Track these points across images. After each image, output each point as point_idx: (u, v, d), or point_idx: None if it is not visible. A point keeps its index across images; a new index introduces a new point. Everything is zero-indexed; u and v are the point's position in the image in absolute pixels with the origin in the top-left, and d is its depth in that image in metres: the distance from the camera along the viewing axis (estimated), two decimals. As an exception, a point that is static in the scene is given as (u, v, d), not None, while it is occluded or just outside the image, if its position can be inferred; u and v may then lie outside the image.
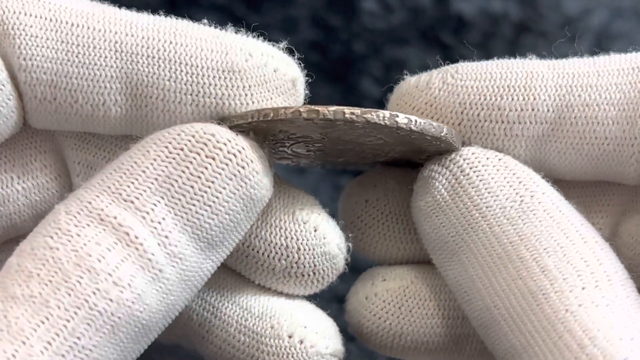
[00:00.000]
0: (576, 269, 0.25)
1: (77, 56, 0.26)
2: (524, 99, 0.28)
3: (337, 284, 0.44)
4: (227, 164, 0.25)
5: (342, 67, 0.46)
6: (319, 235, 0.28)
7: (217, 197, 0.25)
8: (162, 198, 0.24)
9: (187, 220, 0.24)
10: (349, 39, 0.46)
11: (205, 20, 0.28)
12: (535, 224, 0.26)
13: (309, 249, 0.28)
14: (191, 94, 0.26)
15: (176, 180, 0.24)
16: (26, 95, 0.26)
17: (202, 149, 0.25)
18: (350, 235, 0.30)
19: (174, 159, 0.25)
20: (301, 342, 0.28)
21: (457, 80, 0.28)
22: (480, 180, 0.26)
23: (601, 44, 0.46)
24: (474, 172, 0.27)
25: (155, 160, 0.24)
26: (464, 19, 0.46)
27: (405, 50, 0.47)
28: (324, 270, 0.29)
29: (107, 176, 0.25)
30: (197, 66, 0.26)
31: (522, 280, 0.25)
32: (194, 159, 0.25)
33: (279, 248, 0.28)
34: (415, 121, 0.26)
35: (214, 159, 0.25)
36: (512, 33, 0.46)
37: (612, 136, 0.27)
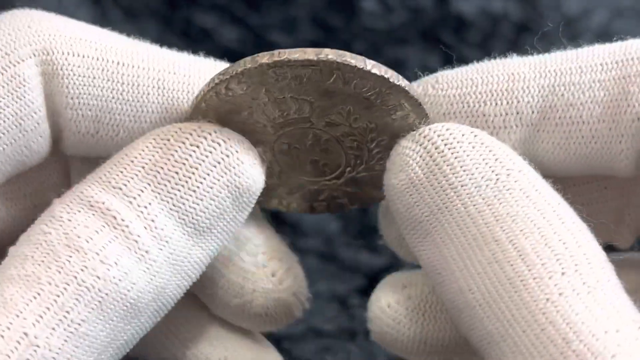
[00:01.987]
0: (555, 252, 0.24)
1: (121, 94, 0.27)
2: (507, 102, 0.27)
3: (337, 284, 0.44)
4: (211, 152, 0.26)
5: (342, 67, 0.46)
6: (275, 281, 0.29)
7: (201, 183, 0.26)
8: (149, 184, 0.26)
9: (173, 205, 0.26)
10: (349, 39, 0.46)
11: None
12: (511, 204, 0.25)
13: (264, 293, 0.29)
14: None
15: (162, 167, 0.26)
16: (69, 130, 0.28)
17: (187, 138, 0.26)
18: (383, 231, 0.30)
19: (160, 148, 0.26)
20: None
21: (438, 91, 0.28)
22: (455, 158, 0.26)
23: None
24: (449, 148, 0.26)
25: (143, 150, 0.26)
26: (464, 19, 0.46)
27: (405, 50, 0.47)
28: (276, 314, 0.30)
29: (101, 169, 0.26)
30: None
31: (498, 263, 0.24)
32: (179, 147, 0.26)
33: (236, 286, 0.29)
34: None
35: (198, 146, 0.26)
36: (512, 33, 0.46)
37: (598, 135, 0.27)
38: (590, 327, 0.23)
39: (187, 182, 0.26)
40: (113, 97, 0.27)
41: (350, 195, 0.30)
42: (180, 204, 0.26)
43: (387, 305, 0.29)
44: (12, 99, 0.27)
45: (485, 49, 0.47)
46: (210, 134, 0.26)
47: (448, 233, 0.25)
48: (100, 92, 0.27)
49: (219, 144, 0.26)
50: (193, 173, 0.26)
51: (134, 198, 0.25)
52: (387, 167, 0.27)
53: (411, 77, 0.29)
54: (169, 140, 0.26)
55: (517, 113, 0.27)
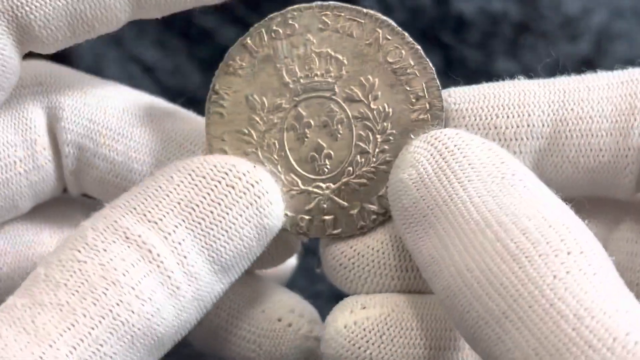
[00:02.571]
0: (559, 233, 0.24)
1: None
2: (519, 115, 0.28)
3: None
4: (245, 193, 0.27)
5: (342, 67, 0.46)
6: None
7: (233, 224, 0.27)
8: (184, 221, 0.26)
9: (205, 243, 0.26)
10: (349, 39, 0.46)
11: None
12: (514, 196, 0.25)
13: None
14: None
15: (197, 205, 0.26)
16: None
17: (223, 178, 0.27)
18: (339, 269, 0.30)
19: (196, 185, 0.27)
20: (289, 325, 0.31)
21: (450, 105, 0.29)
22: (464, 157, 0.27)
23: (601, 44, 0.46)
24: (459, 149, 0.27)
25: (178, 185, 0.27)
26: (464, 19, 0.46)
27: (405, 50, 0.47)
28: (276, 253, 0.31)
29: (133, 198, 0.27)
30: None
31: (500, 242, 0.24)
32: (216, 186, 0.27)
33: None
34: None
35: (233, 187, 0.27)
36: (512, 33, 0.46)
37: (606, 148, 0.28)
38: (600, 306, 0.22)
39: (220, 221, 0.26)
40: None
41: (337, 210, 0.29)
42: (212, 242, 0.26)
43: (344, 326, 0.28)
44: None
45: (485, 49, 0.47)
46: (244, 175, 0.27)
47: (451, 222, 0.26)
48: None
49: (253, 185, 0.27)
50: (227, 213, 0.26)
51: (169, 234, 0.26)
52: (395, 164, 0.28)
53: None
54: (204, 177, 0.27)
55: (529, 125, 0.28)
